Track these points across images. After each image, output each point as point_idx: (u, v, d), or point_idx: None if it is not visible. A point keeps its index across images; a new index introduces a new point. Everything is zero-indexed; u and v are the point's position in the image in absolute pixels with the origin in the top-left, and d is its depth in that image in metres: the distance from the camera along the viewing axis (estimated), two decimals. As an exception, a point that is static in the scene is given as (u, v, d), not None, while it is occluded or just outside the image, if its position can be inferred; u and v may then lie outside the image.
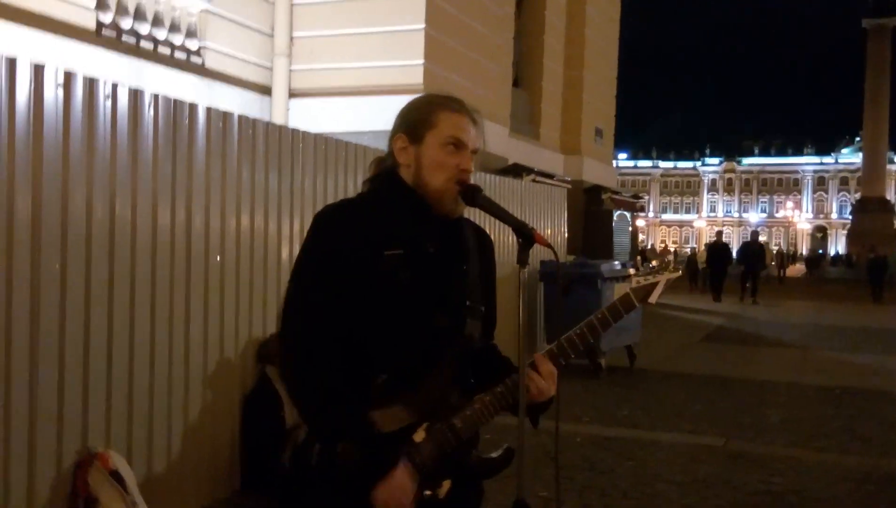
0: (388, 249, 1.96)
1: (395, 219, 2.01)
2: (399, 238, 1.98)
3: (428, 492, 1.94)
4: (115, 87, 4.04)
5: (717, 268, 22.25)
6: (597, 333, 2.06)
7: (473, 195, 2.02)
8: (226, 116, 4.80)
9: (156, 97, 4.28)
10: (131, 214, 4.12)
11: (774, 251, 42.58)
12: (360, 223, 2.00)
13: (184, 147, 4.45)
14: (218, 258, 4.71)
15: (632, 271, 2.37)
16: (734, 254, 24.12)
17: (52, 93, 3.70)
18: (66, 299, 3.75)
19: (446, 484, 1.98)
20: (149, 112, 4.22)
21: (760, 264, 22.39)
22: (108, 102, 3.99)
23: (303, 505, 2.08)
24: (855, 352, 12.26)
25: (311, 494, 1.99)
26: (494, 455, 2.05)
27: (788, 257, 47.57)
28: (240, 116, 4.91)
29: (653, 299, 2.11)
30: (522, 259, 1.94)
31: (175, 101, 4.42)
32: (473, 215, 2.10)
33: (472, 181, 2.04)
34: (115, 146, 4.01)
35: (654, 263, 2.16)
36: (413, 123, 2.05)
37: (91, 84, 3.90)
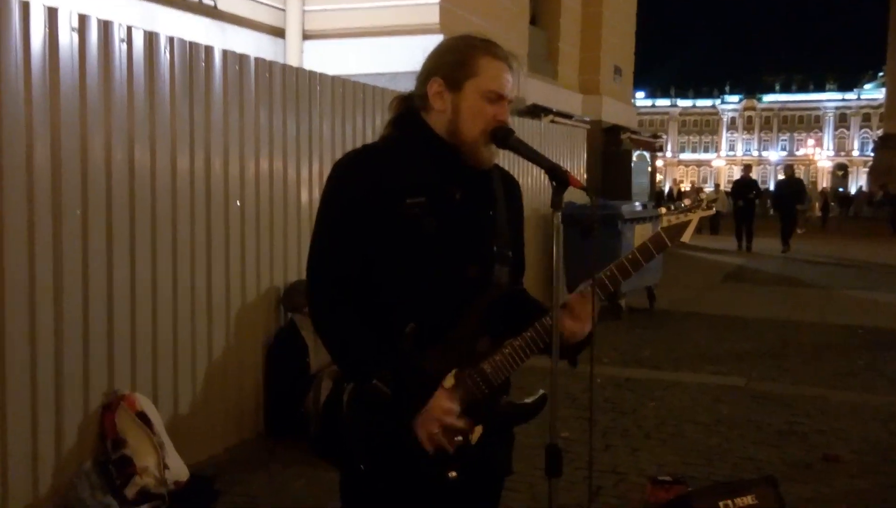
0: (411, 196, 1.91)
1: (419, 166, 1.95)
2: (423, 186, 1.93)
3: (459, 438, 1.92)
4: (129, 29, 3.96)
5: (743, 209, 18.10)
6: (628, 274, 2.01)
7: (505, 137, 1.95)
8: (242, 58, 4.71)
9: (171, 40, 4.20)
10: (150, 159, 4.08)
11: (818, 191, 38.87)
12: (382, 170, 1.94)
13: (201, 91, 4.39)
14: (238, 203, 4.67)
15: (663, 209, 2.32)
16: (770, 196, 20.95)
17: (67, 36, 3.63)
18: (87, 244, 3.74)
19: (478, 430, 1.95)
20: (165, 55, 4.14)
21: (801, 203, 18.72)
22: (124, 46, 3.92)
23: (336, 449, 2.06)
24: (877, 290, 12.16)
25: (344, 436, 1.97)
26: (528, 400, 2.03)
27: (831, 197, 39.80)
28: (256, 59, 4.83)
29: (686, 237, 2.06)
30: (556, 202, 1.87)
31: (191, 43, 4.34)
32: (504, 157, 2.04)
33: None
34: (131, 90, 3.96)
35: (686, 201, 2.10)
36: (452, 67, 1.97)
37: (105, 27, 3.83)
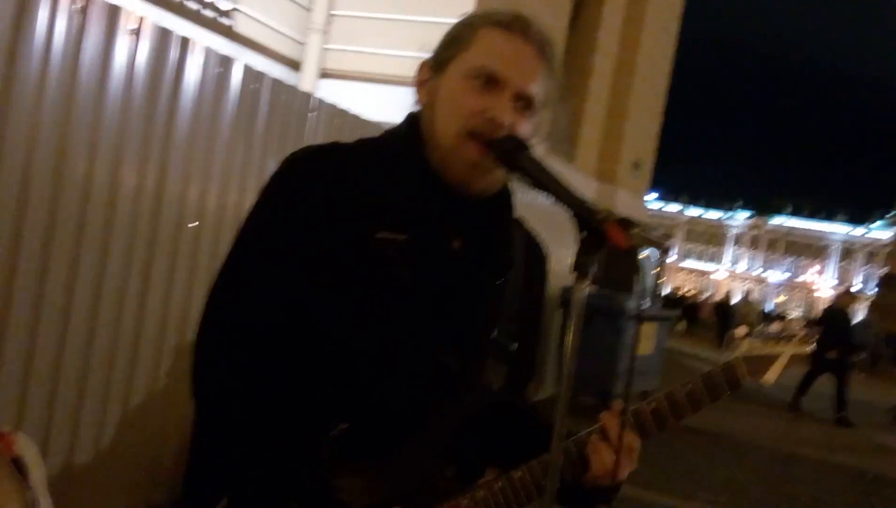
0: (386, 228, 1.22)
1: (402, 188, 1.27)
2: (405, 217, 1.24)
3: None
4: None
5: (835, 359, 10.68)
6: (682, 414, 1.36)
7: (510, 152, 1.24)
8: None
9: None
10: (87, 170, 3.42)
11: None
12: (349, 180, 1.26)
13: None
14: (190, 225, 4.00)
15: (743, 331, 1.78)
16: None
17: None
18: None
19: None
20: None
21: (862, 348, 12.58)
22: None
23: None
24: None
25: None
26: None
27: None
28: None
29: (771, 377, 1.40)
30: (581, 264, 1.14)
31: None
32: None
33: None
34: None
35: (774, 327, 1.40)
36: (445, 41, 1.34)
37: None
